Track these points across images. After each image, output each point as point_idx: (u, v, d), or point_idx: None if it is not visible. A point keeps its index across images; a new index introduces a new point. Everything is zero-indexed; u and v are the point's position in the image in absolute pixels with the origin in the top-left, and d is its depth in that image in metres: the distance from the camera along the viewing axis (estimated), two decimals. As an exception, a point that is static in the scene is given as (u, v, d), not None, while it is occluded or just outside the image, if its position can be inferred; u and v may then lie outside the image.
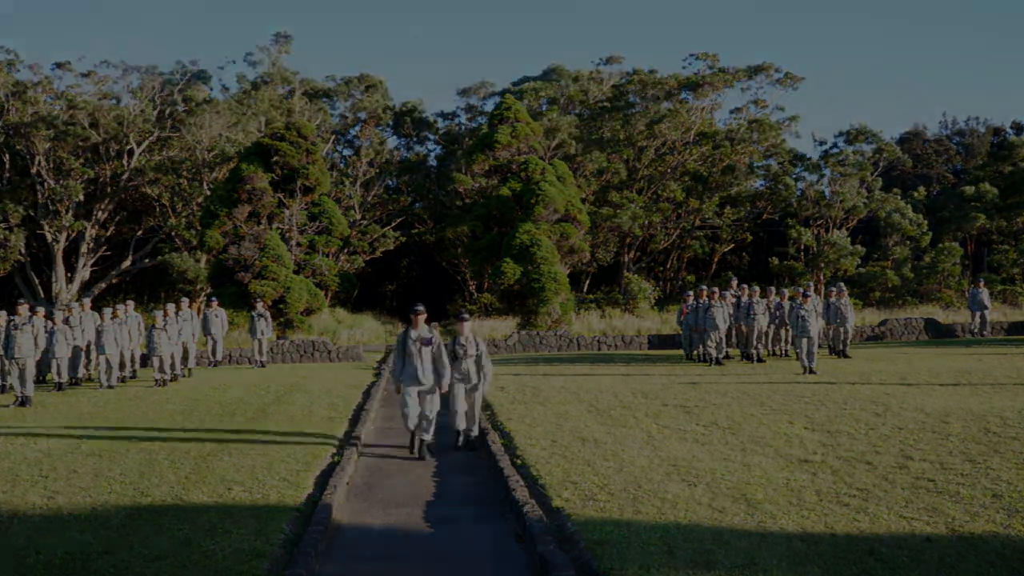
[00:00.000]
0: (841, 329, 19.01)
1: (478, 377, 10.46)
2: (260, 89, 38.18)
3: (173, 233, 33.37)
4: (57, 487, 8.12)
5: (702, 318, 18.44)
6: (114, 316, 17.51)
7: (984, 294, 23.18)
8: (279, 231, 28.08)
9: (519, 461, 9.11)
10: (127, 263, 35.52)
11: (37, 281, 34.80)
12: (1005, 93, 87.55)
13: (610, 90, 38.52)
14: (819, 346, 19.17)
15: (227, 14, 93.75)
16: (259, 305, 20.88)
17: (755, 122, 36.79)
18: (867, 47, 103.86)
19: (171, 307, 18.48)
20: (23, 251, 33.09)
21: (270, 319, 20.87)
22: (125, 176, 33.95)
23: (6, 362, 15.01)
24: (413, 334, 9.88)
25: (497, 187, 29.60)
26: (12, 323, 14.88)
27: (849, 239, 33.64)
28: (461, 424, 10.42)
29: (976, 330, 23.23)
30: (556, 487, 7.79)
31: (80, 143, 33.01)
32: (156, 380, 16.87)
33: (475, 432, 10.63)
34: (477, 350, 10.39)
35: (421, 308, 9.99)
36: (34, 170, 33.34)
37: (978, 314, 23.15)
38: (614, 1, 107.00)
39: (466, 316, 10.38)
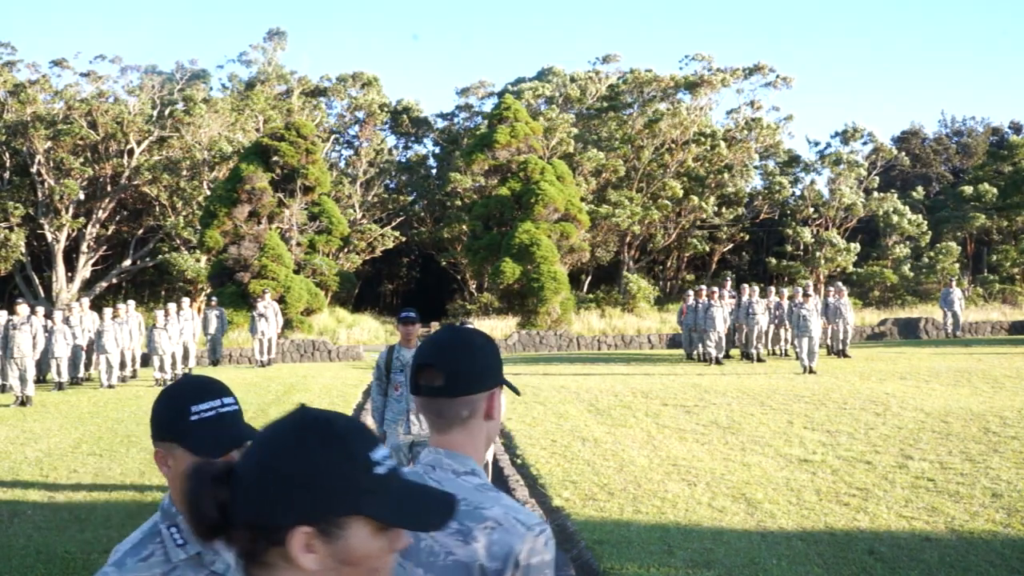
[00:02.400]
0: (840, 329, 19.02)
1: None
2: (256, 88, 38.21)
3: (173, 233, 33.37)
4: (57, 487, 8.13)
5: (702, 318, 18.45)
6: (114, 316, 17.52)
7: (954, 294, 23.30)
8: (279, 231, 28.07)
9: (519, 461, 9.12)
10: (127, 262, 35.52)
11: (37, 280, 34.80)
12: (1003, 92, 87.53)
13: (607, 89, 38.54)
14: (819, 345, 19.20)
15: (224, 13, 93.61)
16: (260, 304, 20.83)
17: (751, 121, 36.83)
18: (864, 46, 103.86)
19: (172, 306, 18.49)
20: (23, 250, 33.09)
21: (273, 317, 20.67)
22: (125, 175, 33.95)
23: (5, 362, 15.02)
24: (404, 354, 6.94)
25: (496, 186, 29.61)
26: (11, 323, 14.89)
27: (845, 238, 33.64)
28: None
29: (949, 330, 23.34)
30: (556, 486, 7.79)
31: (79, 142, 33.02)
32: (156, 380, 16.88)
33: None
34: None
35: (414, 315, 7.02)
36: (34, 169, 33.33)
37: (949, 314, 23.31)
38: (611, 1, 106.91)
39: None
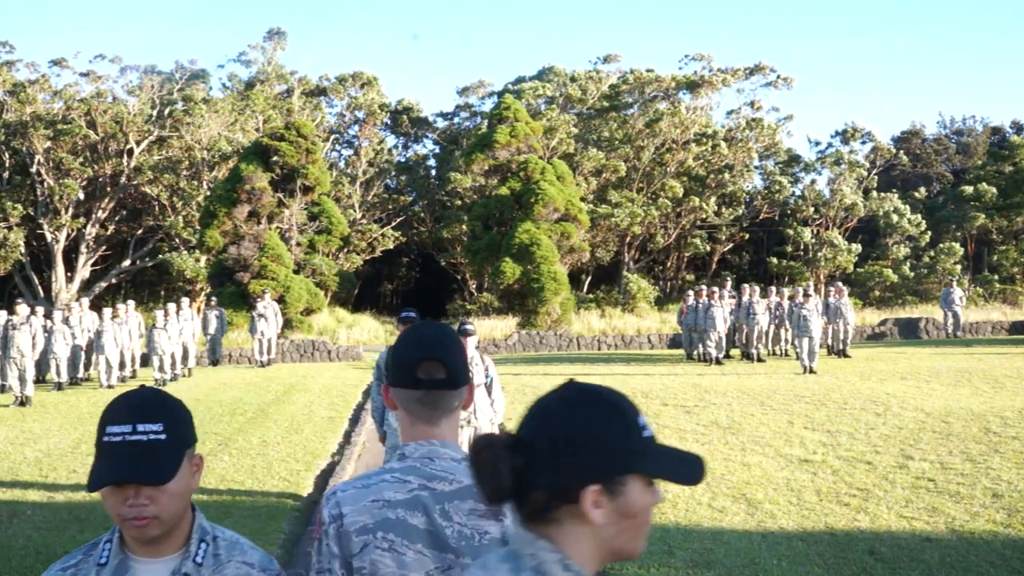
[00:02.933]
0: (841, 329, 18.99)
1: (484, 414, 7.15)
2: (255, 87, 38.22)
3: (172, 232, 33.38)
4: (57, 487, 8.12)
5: (702, 318, 18.43)
6: (114, 316, 17.51)
7: (955, 293, 23.29)
8: (278, 231, 28.06)
9: (519, 461, 9.10)
10: (127, 262, 35.51)
11: (37, 280, 34.79)
12: (1003, 92, 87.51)
13: (608, 89, 38.54)
14: (819, 345, 19.18)
15: (224, 13, 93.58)
16: (260, 304, 20.81)
17: (752, 121, 36.83)
18: (864, 46, 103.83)
19: (171, 307, 18.48)
20: (23, 250, 33.09)
21: (272, 317, 20.66)
22: (124, 175, 33.95)
23: (5, 362, 15.01)
24: None
25: (496, 186, 29.59)
26: (11, 323, 14.87)
27: (845, 238, 33.63)
28: None
29: (950, 330, 23.33)
30: (556, 487, 7.77)
31: (79, 142, 33.01)
32: (156, 380, 16.86)
33: None
34: (486, 377, 7.05)
35: (414, 315, 7.00)
36: (33, 169, 33.33)
37: (949, 313, 23.32)
38: (611, 1, 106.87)
39: (469, 329, 7.16)
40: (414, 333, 1.88)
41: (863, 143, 35.97)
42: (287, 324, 24.60)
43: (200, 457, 1.80)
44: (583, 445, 1.30)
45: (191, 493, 1.77)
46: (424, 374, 1.81)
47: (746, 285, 20.10)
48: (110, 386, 16.47)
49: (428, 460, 1.79)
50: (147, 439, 1.64)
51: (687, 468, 1.37)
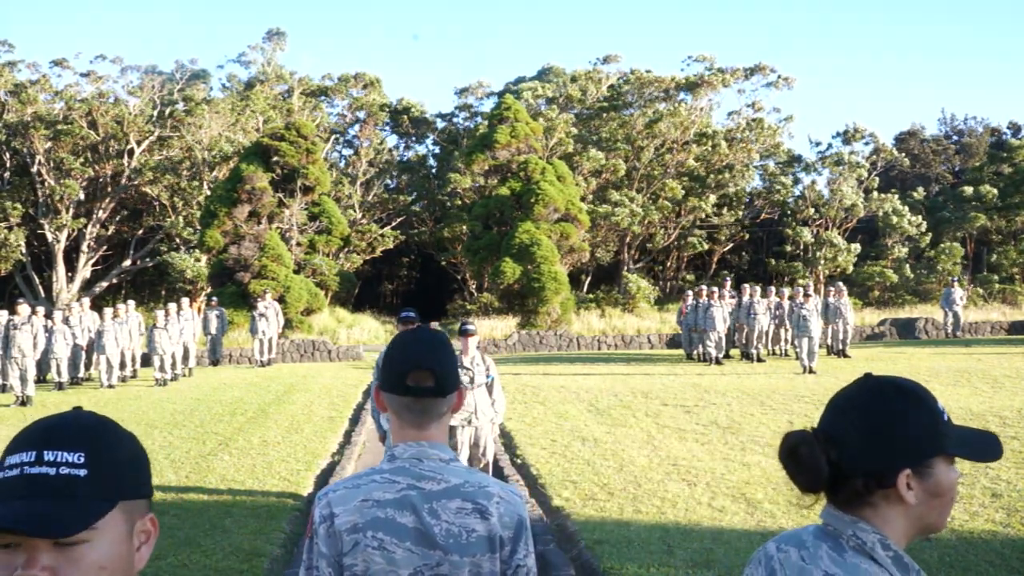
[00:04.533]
0: (840, 329, 19.00)
1: (485, 413, 7.19)
2: (256, 87, 38.24)
3: (173, 232, 33.37)
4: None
5: (702, 318, 18.45)
6: (114, 316, 17.53)
7: (956, 293, 23.32)
8: (279, 231, 28.07)
9: (519, 460, 9.13)
10: (127, 262, 35.52)
11: (38, 280, 34.80)
12: (1003, 92, 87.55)
13: (608, 90, 38.54)
14: (819, 345, 19.18)
15: (224, 13, 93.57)
16: (260, 304, 20.83)
17: (753, 122, 36.83)
18: (864, 46, 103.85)
19: (172, 307, 18.50)
20: (23, 250, 33.09)
21: (273, 317, 20.68)
22: (125, 175, 33.96)
23: (6, 362, 15.02)
24: None
25: (496, 186, 29.59)
26: (11, 323, 14.89)
27: (845, 238, 33.62)
28: None
29: (950, 330, 23.35)
30: (556, 486, 7.80)
31: (79, 142, 33.03)
32: (156, 380, 16.88)
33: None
34: (487, 376, 7.15)
35: (414, 315, 7.12)
36: (34, 169, 33.34)
37: (950, 313, 23.34)
38: (611, 1, 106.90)
39: (471, 328, 7.14)
40: (405, 340, 1.92)
41: (866, 143, 35.98)
42: (287, 324, 24.57)
43: (153, 520, 1.21)
44: (896, 434, 1.42)
45: (130, 575, 1.16)
46: (413, 382, 1.85)
47: (746, 285, 20.09)
48: (111, 386, 16.49)
49: (417, 461, 1.85)
50: (55, 472, 1.10)
51: (988, 446, 1.48)
